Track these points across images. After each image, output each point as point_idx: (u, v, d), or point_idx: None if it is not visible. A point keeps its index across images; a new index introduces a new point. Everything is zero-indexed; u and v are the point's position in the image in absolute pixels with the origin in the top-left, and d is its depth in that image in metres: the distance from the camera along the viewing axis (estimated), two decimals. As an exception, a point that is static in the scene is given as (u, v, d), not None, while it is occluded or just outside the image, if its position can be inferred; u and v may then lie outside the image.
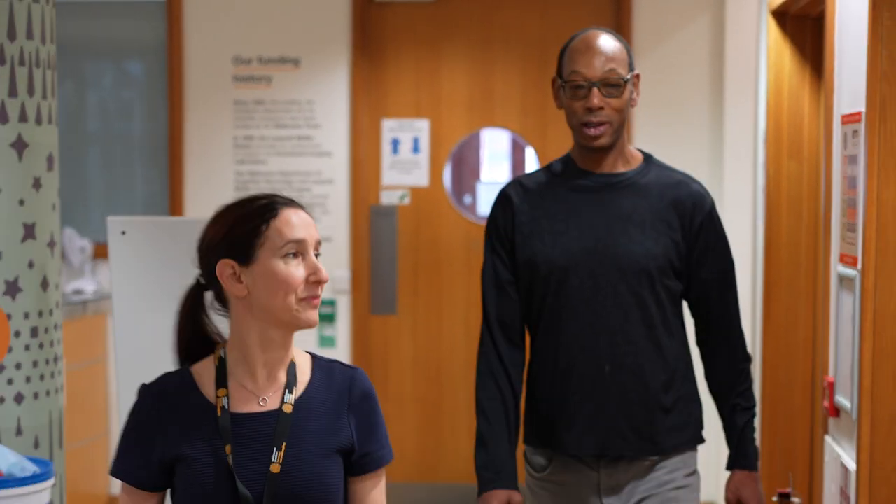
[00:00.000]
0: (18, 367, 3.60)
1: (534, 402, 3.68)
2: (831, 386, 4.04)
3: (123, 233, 3.70)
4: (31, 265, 3.62)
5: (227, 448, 2.65)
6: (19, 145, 3.57)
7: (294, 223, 2.71)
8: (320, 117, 7.72)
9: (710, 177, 7.10)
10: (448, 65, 7.76)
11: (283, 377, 2.76)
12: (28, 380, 3.62)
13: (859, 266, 3.72)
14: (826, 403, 4.09)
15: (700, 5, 7.34)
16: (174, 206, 7.53)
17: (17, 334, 3.59)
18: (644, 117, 7.39)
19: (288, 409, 2.72)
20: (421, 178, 7.76)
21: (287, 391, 2.74)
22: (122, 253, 3.73)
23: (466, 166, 8.12)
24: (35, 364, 3.65)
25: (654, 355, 3.57)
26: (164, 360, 2.98)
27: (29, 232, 3.59)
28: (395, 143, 7.81)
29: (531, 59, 7.40)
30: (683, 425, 3.58)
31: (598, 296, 3.56)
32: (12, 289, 3.57)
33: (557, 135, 7.33)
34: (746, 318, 5.82)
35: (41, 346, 3.65)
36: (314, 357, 2.87)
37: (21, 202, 3.60)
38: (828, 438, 4.14)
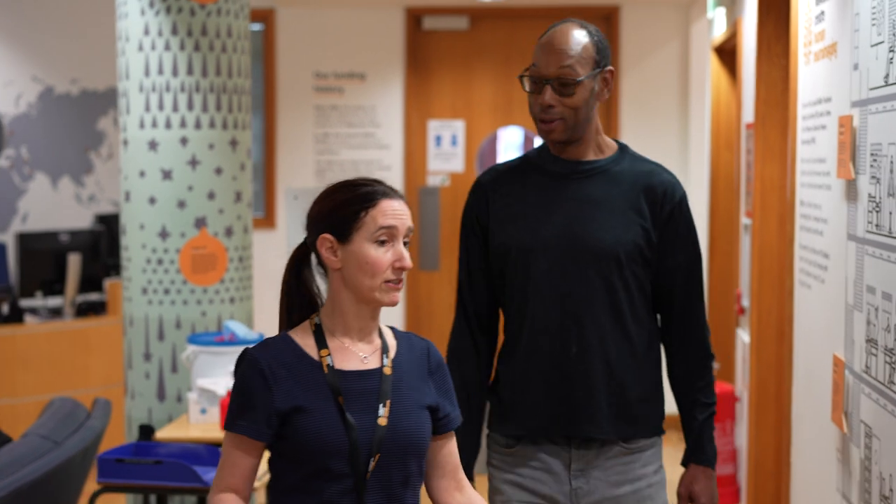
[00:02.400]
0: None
1: (505, 384, 3.55)
2: (739, 295, 6.10)
3: (296, 198, 5.76)
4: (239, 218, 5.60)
5: (340, 399, 2.73)
6: (233, 143, 5.65)
7: (388, 212, 2.76)
8: (381, 118, 9.33)
9: (678, 161, 8.92)
10: (478, 78, 9.40)
11: (377, 340, 2.85)
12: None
13: (752, 218, 5.73)
14: (736, 307, 6.15)
15: (671, 34, 9.15)
16: (269, 185, 8.62)
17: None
18: (628, 115, 9.16)
19: (388, 371, 2.81)
20: (458, 165, 9.41)
21: (384, 354, 2.83)
22: (294, 212, 5.79)
23: (491, 155, 9.54)
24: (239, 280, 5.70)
25: (621, 341, 3.45)
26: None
27: (238, 197, 5.65)
28: (438, 139, 9.42)
29: (542, 73, 9.23)
30: (651, 413, 3.49)
31: (567, 280, 3.44)
32: (229, 232, 5.65)
33: None
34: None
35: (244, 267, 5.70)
36: (391, 327, 2.96)
37: (234, 178, 5.65)
38: (738, 330, 6.20)
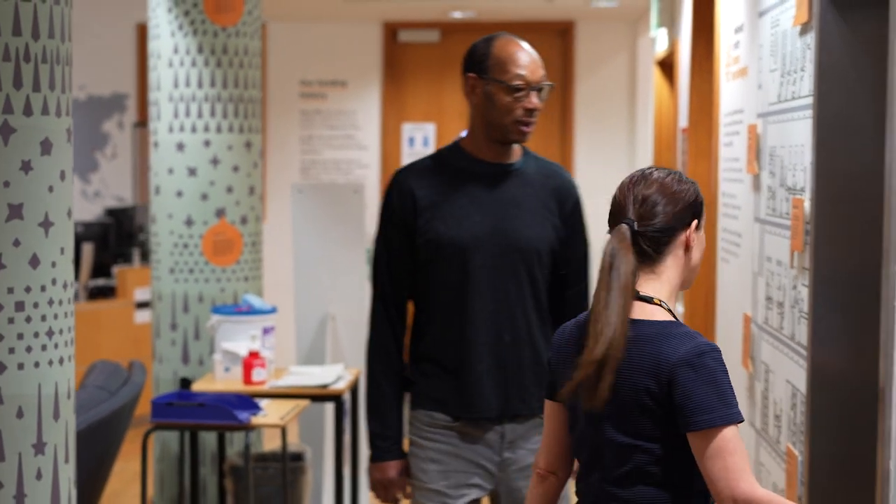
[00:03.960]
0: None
1: (437, 371, 3.75)
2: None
3: (300, 192, 6.75)
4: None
5: None
6: (247, 145, 6.64)
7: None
8: (360, 122, 10.28)
9: (627, 160, 9.91)
10: (448, 85, 10.29)
11: None
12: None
13: None
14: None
15: (620, 47, 10.16)
16: (263, 182, 9.81)
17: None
18: (583, 121, 10.16)
19: None
20: None
21: None
22: (300, 204, 6.77)
23: None
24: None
25: (542, 327, 3.77)
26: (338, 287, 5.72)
27: (252, 190, 6.64)
28: (412, 140, 10.30)
29: (505, 81, 10.17)
30: None
31: (499, 274, 3.70)
32: (244, 220, 6.64)
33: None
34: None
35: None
36: None
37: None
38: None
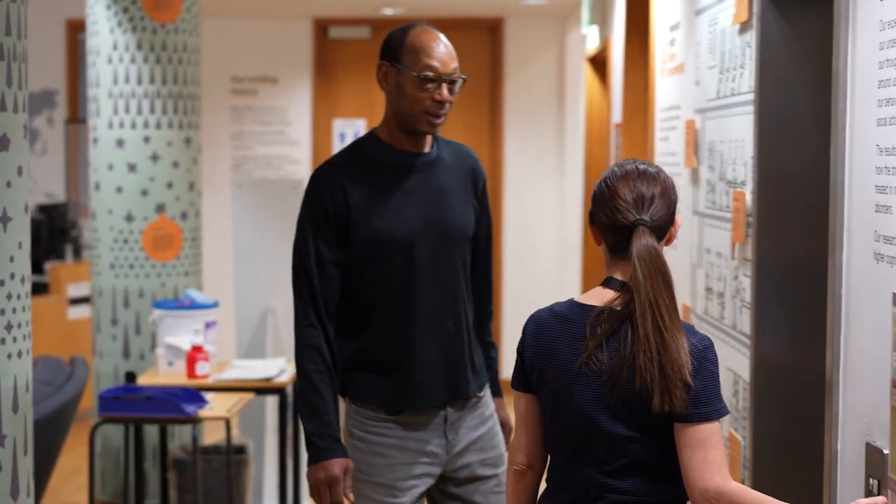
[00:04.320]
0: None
1: (377, 366, 3.71)
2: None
3: (240, 187, 6.81)
4: None
5: None
6: (187, 141, 6.67)
7: None
8: (291, 118, 10.29)
9: (556, 154, 10.02)
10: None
11: None
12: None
13: None
14: (608, 277, 7.29)
15: (548, 44, 10.25)
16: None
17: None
18: (512, 117, 10.24)
19: None
20: None
21: None
22: (240, 200, 6.82)
23: None
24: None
25: (471, 309, 3.83)
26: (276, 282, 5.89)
27: (191, 186, 6.68)
28: (342, 136, 10.32)
29: (435, 77, 10.23)
30: (483, 364, 3.89)
31: (439, 263, 3.70)
32: (184, 216, 6.68)
33: (451, 127, 9.73)
34: (577, 237, 8.77)
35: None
36: None
37: None
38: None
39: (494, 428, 3.86)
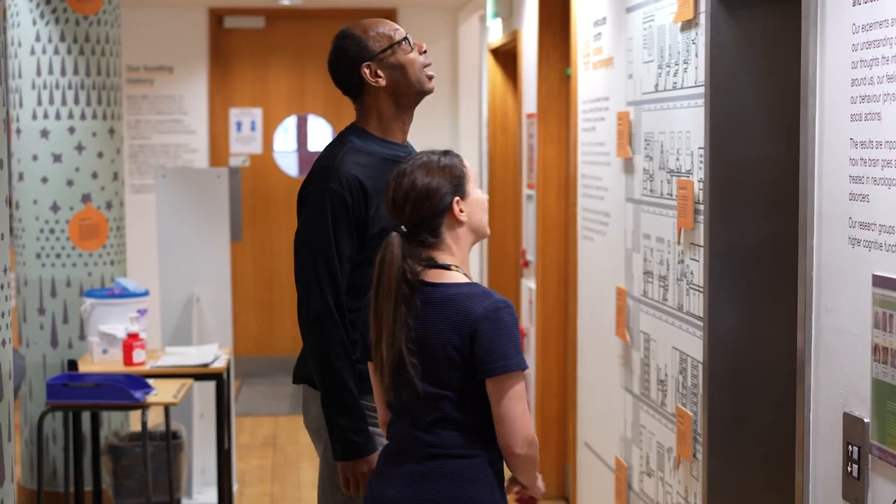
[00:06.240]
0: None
1: None
2: (524, 251, 7.51)
3: (164, 176, 6.89)
4: None
5: None
6: (111, 131, 6.75)
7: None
8: (187, 107, 10.38)
9: (451, 142, 10.14)
10: (274, 70, 10.56)
11: None
12: None
13: (535, 190, 7.13)
14: (521, 261, 7.54)
15: (441, 34, 10.44)
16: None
17: None
18: None
19: None
20: (256, 147, 10.56)
21: None
22: (163, 188, 6.91)
23: (303, 140, 10.64)
24: None
25: None
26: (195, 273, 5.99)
27: (116, 176, 6.75)
28: (239, 125, 10.50)
29: (331, 67, 10.41)
30: None
31: None
32: (109, 205, 6.75)
33: (351, 116, 10.02)
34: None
35: (119, 236, 6.83)
36: None
37: None
38: (523, 280, 7.61)
39: None
